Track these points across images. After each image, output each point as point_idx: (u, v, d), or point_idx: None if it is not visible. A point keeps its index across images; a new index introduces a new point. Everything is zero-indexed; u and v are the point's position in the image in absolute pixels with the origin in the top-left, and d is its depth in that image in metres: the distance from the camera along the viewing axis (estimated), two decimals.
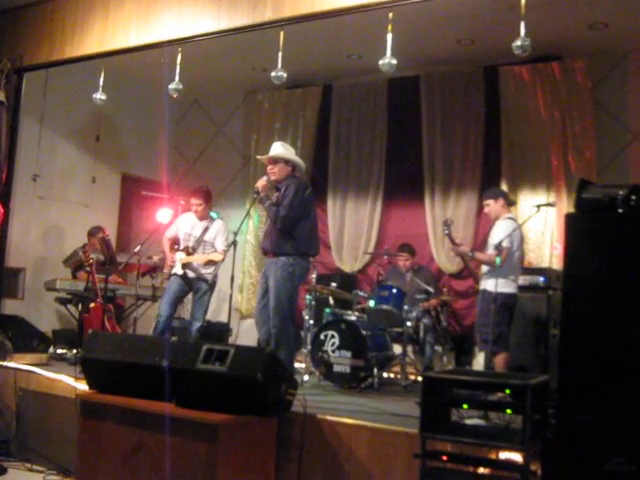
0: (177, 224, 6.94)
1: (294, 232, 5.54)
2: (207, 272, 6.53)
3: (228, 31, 6.09)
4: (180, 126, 9.82)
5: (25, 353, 6.41)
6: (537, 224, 7.25)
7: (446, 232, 6.27)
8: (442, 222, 6.58)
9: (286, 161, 5.71)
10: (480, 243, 7.36)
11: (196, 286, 6.64)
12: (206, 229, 6.69)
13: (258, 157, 6.17)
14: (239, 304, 8.90)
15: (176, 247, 6.81)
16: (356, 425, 4.29)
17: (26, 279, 8.08)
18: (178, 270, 6.60)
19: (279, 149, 5.77)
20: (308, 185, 5.85)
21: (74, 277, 7.69)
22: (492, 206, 6.06)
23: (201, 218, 6.76)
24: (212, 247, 6.65)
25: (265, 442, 4.25)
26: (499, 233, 5.76)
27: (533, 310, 6.57)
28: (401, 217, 8.29)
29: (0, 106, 7.34)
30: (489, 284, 5.73)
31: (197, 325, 6.57)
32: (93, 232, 7.72)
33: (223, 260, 6.15)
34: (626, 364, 3.37)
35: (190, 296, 6.80)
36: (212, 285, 6.62)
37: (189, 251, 6.63)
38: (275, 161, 5.71)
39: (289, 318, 5.52)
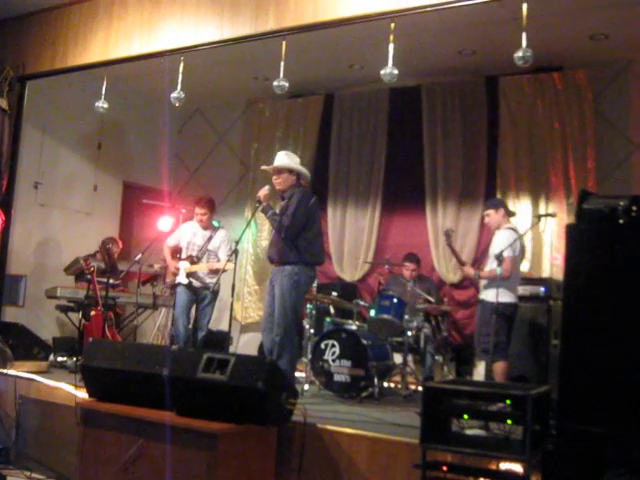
0: (179, 233, 6.94)
1: (299, 241, 5.55)
2: (212, 281, 6.52)
3: (230, 40, 6.13)
4: (182, 134, 9.85)
5: (25, 361, 6.42)
6: (537, 234, 7.26)
7: (447, 242, 6.28)
8: (443, 232, 6.58)
9: (290, 170, 5.73)
10: (482, 253, 7.37)
11: (201, 295, 6.64)
12: (210, 238, 6.70)
13: (263, 167, 6.16)
14: (237, 313, 8.87)
15: (178, 256, 6.80)
16: (356, 435, 4.28)
17: (27, 286, 8.07)
18: (183, 279, 6.60)
19: (283, 159, 5.78)
20: (313, 194, 5.85)
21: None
22: (493, 216, 6.06)
23: (205, 227, 6.76)
24: (216, 256, 6.65)
25: (265, 451, 4.24)
26: (500, 243, 5.76)
27: (534, 320, 6.56)
28: (402, 227, 8.28)
29: (2, 114, 7.38)
30: (489, 294, 5.72)
31: (201, 334, 6.58)
32: (106, 242, 7.71)
33: (226, 270, 6.10)
34: (626, 375, 3.37)
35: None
36: (215, 294, 6.62)
37: (193, 260, 6.63)
38: (280, 171, 5.73)
39: (293, 327, 5.52)
